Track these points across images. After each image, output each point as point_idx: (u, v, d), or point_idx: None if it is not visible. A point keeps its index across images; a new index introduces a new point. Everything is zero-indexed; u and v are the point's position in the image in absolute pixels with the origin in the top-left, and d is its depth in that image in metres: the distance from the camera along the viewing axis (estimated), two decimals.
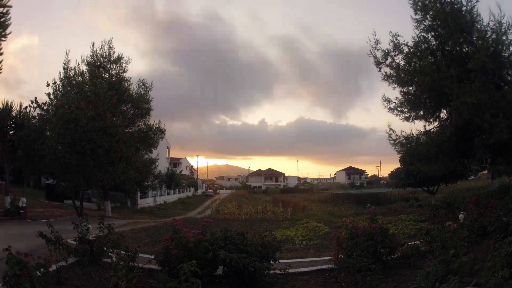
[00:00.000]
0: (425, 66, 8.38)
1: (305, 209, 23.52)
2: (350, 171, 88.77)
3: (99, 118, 10.97)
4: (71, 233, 6.71)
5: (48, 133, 12.66)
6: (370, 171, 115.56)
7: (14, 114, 14.79)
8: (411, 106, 9.70)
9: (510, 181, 15.63)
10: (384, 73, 9.76)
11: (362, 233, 6.20)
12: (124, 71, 18.94)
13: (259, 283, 5.18)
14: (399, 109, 9.99)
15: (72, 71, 16.37)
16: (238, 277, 5.12)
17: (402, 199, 25.86)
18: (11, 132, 14.75)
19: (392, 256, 6.34)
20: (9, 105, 14.68)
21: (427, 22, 9.13)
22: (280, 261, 6.01)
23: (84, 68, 17.39)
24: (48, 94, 12.92)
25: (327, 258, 7.00)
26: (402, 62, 9.51)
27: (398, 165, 21.86)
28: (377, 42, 9.57)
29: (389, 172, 39.07)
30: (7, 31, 3.81)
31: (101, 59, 18.19)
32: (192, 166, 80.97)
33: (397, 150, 10.07)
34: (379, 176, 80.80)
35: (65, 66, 16.33)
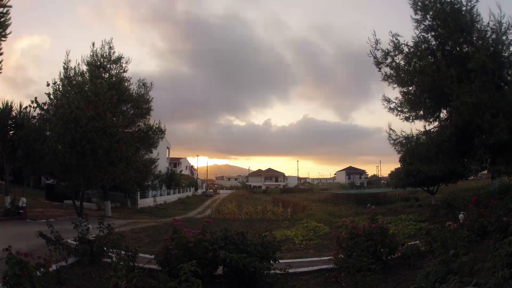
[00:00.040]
0: (425, 66, 8.38)
1: (305, 209, 23.53)
2: (350, 171, 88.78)
3: (99, 118, 10.96)
4: (71, 233, 6.71)
5: (48, 133, 12.65)
6: (370, 171, 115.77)
7: (14, 114, 14.80)
8: (411, 106, 9.69)
9: (510, 181, 15.63)
10: (384, 73, 9.76)
11: (362, 233, 6.20)
12: (124, 71, 18.98)
13: (259, 283, 5.18)
14: (399, 109, 9.99)
15: (72, 71, 16.37)
16: (238, 277, 5.12)
17: (402, 199, 25.87)
18: (11, 132, 14.75)
19: (392, 256, 6.34)
20: (9, 105, 14.69)
21: (427, 22, 9.12)
22: (280, 261, 6.02)
23: (84, 68, 17.42)
24: (48, 94, 12.90)
25: (327, 258, 7.01)
26: (402, 62, 9.50)
27: (398, 165, 21.89)
28: (377, 42, 9.57)
29: (389, 172, 39.15)
30: (7, 31, 3.82)
31: (101, 59, 18.20)
32: (192, 166, 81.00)
33: (397, 150, 10.06)
34: (379, 176, 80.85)
35: (65, 66, 16.33)
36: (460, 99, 7.61)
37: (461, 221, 7.22)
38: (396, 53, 9.48)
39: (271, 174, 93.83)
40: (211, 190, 67.73)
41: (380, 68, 9.80)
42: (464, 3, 8.61)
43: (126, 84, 18.99)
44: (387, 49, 9.52)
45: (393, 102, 10.07)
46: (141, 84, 20.07)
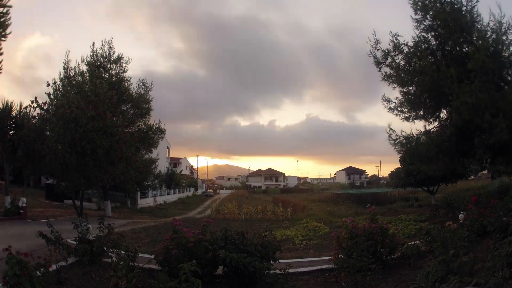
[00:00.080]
0: (425, 66, 8.37)
1: (305, 209, 23.54)
2: (350, 171, 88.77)
3: (99, 118, 10.96)
4: (71, 233, 6.71)
5: (48, 133, 12.65)
6: (370, 171, 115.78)
7: (14, 114, 14.80)
8: (411, 106, 9.69)
9: (510, 181, 15.62)
10: (384, 73, 9.75)
11: (362, 233, 6.20)
12: (124, 71, 19.00)
13: (259, 283, 5.19)
14: (399, 109, 9.98)
15: (72, 71, 16.39)
16: (238, 277, 5.12)
17: (402, 199, 25.87)
18: (11, 132, 14.75)
19: (392, 256, 6.34)
20: (9, 105, 14.70)
21: (427, 22, 9.12)
22: (280, 261, 6.02)
23: (84, 68, 17.43)
24: (48, 94, 12.91)
25: (327, 258, 7.01)
26: (402, 62, 9.49)
27: (398, 165, 21.89)
28: (377, 42, 9.56)
29: (389, 172, 39.16)
30: (7, 31, 3.82)
31: (101, 59, 18.21)
32: (192, 166, 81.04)
33: (397, 150, 10.06)
34: (379, 176, 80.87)
35: (65, 66, 16.34)
36: (460, 99, 7.60)
37: (461, 221, 7.22)
38: (396, 53, 9.47)
39: (271, 174, 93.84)
40: (211, 190, 67.74)
41: (380, 68, 9.79)
42: (464, 3, 8.60)
43: (126, 84, 19.00)
44: (387, 49, 9.51)
45: (393, 102, 10.08)
46: (141, 84, 20.10)
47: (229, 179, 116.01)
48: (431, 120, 9.78)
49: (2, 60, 3.91)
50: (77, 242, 6.34)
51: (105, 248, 6.21)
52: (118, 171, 11.67)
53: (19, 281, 3.79)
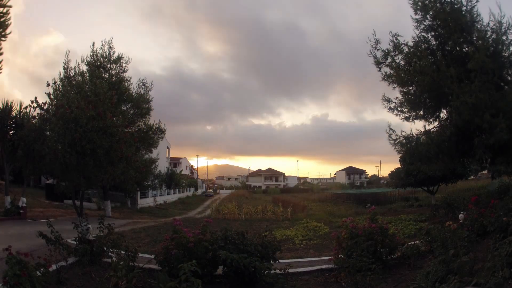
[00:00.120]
0: (425, 66, 8.38)
1: (305, 209, 23.53)
2: (350, 171, 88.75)
3: (99, 118, 10.95)
4: (71, 233, 6.71)
5: (48, 133, 12.63)
6: (370, 170, 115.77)
7: (14, 114, 14.80)
8: (411, 106, 9.70)
9: (510, 181, 15.63)
10: (384, 73, 9.76)
11: (362, 233, 6.20)
12: (124, 71, 19.00)
13: (259, 283, 5.19)
14: (399, 109, 10.00)
15: (72, 71, 16.40)
16: (238, 277, 5.12)
17: (402, 199, 25.85)
18: (11, 132, 14.75)
19: (392, 256, 6.34)
20: (9, 105, 14.70)
21: (427, 22, 9.12)
22: (280, 261, 6.03)
23: (84, 68, 17.44)
24: (48, 94, 12.89)
25: (327, 258, 7.01)
26: (402, 62, 9.50)
27: (398, 165, 21.89)
28: (377, 42, 9.57)
29: (389, 172, 39.15)
30: (7, 31, 3.82)
31: (101, 59, 18.21)
32: (192, 166, 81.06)
33: (397, 150, 10.07)
34: (379, 176, 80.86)
35: (65, 66, 16.35)
36: (460, 99, 7.61)
37: (461, 221, 7.22)
38: (396, 53, 9.47)
39: (271, 174, 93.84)
40: (211, 190, 67.77)
41: (380, 68, 9.80)
42: (464, 3, 8.61)
43: (126, 84, 19.00)
44: (387, 49, 9.52)
45: (393, 102, 10.09)
46: (141, 84, 20.10)
47: (229, 179, 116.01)
48: (431, 120, 9.79)
49: (2, 60, 3.91)
50: (77, 242, 6.34)
51: (105, 248, 6.21)
52: (118, 171, 11.66)
53: (19, 281, 3.79)
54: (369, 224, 6.50)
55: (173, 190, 39.26)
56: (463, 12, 8.55)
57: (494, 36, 8.16)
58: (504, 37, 8.10)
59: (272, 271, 5.44)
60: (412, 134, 9.55)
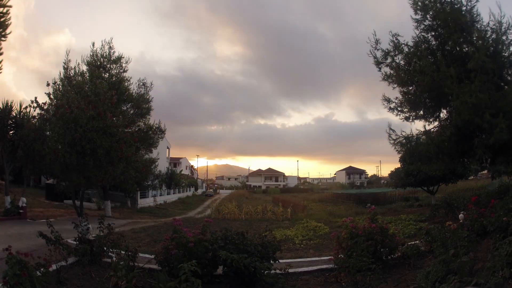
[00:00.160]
0: (425, 66, 8.38)
1: (305, 209, 23.55)
2: (350, 171, 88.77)
3: (99, 118, 10.95)
4: (71, 233, 6.71)
5: (48, 133, 12.65)
6: (370, 170, 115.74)
7: (14, 114, 14.79)
8: (411, 106, 9.69)
9: (510, 181, 15.62)
10: (384, 73, 9.76)
11: (362, 233, 6.20)
12: (124, 71, 18.99)
13: (259, 283, 5.19)
14: (399, 109, 9.99)
15: (72, 71, 16.39)
16: (238, 277, 5.13)
17: (402, 199, 25.82)
18: (11, 132, 14.74)
19: (392, 256, 6.34)
20: (9, 105, 14.69)
21: (427, 22, 9.12)
22: (280, 260, 6.02)
23: (84, 68, 17.45)
24: (48, 94, 12.90)
25: (327, 258, 7.01)
26: (402, 62, 9.50)
27: (398, 165, 21.88)
28: (377, 42, 9.57)
29: (389, 172, 39.14)
30: (7, 31, 3.82)
31: (101, 59, 18.21)
32: (192, 166, 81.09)
33: (397, 150, 10.07)
34: (379, 176, 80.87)
35: (65, 66, 16.35)
36: (460, 99, 7.60)
37: (461, 221, 7.21)
38: (396, 53, 9.47)
39: (271, 174, 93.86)
40: (211, 190, 67.80)
41: (380, 68, 9.80)
42: (464, 3, 8.61)
43: (126, 84, 19.00)
44: (387, 49, 9.52)
45: (393, 102, 10.08)
46: (141, 84, 20.09)
47: (229, 179, 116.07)
48: (431, 120, 9.79)
49: (2, 60, 3.91)
50: (77, 242, 6.33)
51: (105, 248, 6.21)
52: (118, 171, 11.67)
53: (19, 281, 3.79)
54: (369, 224, 6.50)
55: (173, 190, 39.27)
56: (463, 12, 8.55)
57: (494, 36, 8.16)
58: (504, 37, 8.10)
59: (272, 271, 5.44)
60: (412, 134, 9.55)
